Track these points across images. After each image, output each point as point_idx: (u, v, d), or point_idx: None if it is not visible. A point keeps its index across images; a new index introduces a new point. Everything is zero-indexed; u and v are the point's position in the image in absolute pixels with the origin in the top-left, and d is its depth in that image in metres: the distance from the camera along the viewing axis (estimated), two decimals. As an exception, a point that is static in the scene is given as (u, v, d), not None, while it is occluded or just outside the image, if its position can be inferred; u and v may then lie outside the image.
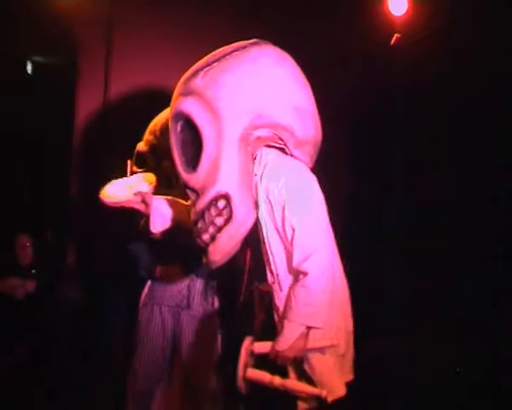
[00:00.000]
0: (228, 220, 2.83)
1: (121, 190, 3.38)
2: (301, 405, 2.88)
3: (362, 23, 4.88)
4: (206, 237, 2.89)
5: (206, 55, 2.96)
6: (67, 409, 4.27)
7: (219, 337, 3.69)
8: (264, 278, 2.95)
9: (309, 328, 2.76)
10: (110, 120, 5.07)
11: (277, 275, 2.85)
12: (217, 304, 3.69)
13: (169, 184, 3.48)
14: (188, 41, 4.96)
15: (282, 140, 2.90)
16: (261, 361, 2.90)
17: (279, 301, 2.87)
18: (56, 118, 5.22)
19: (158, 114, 3.71)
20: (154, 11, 5.07)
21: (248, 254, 3.08)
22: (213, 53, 2.91)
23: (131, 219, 3.55)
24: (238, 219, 2.83)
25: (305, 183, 2.84)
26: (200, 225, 2.90)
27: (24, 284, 4.76)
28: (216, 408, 3.67)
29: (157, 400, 3.77)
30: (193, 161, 2.87)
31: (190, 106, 2.83)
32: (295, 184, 2.80)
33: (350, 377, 2.96)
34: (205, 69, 2.85)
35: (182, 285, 3.67)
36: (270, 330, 2.90)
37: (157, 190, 3.42)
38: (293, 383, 2.86)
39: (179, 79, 2.97)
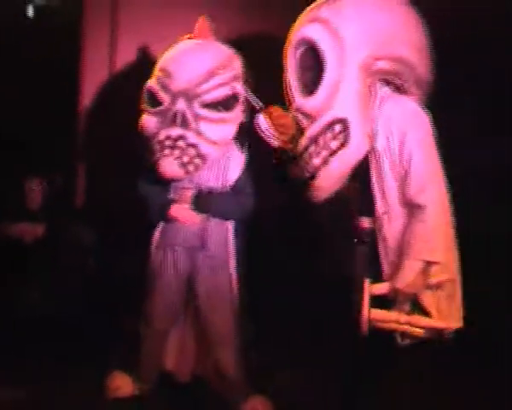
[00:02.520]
0: (343, 145, 2.83)
1: None
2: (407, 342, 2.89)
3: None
4: (317, 161, 2.89)
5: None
6: (79, 351, 4.30)
7: (236, 278, 3.66)
8: (365, 213, 2.92)
9: (428, 263, 2.76)
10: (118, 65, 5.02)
11: (390, 206, 2.85)
12: (234, 245, 3.67)
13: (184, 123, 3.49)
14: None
15: (399, 78, 2.95)
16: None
17: (389, 231, 2.86)
18: (62, 59, 5.15)
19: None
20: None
21: (353, 187, 2.98)
22: None
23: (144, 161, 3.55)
24: (353, 145, 2.83)
25: (423, 119, 2.87)
26: (311, 149, 2.91)
27: (33, 228, 4.76)
28: (230, 348, 3.68)
29: (171, 341, 3.79)
30: (310, 87, 2.95)
31: (315, 32, 2.94)
32: (415, 119, 2.84)
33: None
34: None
35: (195, 226, 3.62)
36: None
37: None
38: (418, 318, 2.83)
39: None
